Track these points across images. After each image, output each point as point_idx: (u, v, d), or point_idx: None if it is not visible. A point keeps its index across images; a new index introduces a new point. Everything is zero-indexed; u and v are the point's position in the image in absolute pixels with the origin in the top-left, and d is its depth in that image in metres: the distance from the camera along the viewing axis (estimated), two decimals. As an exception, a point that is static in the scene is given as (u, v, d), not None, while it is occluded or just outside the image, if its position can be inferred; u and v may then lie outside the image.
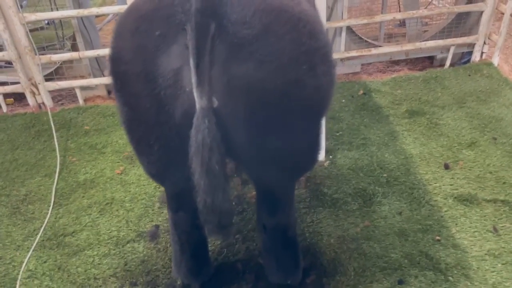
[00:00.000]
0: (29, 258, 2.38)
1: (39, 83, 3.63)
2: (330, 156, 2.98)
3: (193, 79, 1.33)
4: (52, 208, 2.72)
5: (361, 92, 3.74)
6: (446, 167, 2.80)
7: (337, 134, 3.22)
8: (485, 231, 2.35)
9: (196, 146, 1.40)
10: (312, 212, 2.54)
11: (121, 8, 3.32)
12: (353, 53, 3.85)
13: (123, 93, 1.50)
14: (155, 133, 1.51)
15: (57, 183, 2.91)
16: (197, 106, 1.36)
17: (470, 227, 2.39)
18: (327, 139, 3.11)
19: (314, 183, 2.75)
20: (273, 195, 1.86)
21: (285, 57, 1.38)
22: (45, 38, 4.00)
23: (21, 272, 2.30)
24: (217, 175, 1.42)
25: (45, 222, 2.60)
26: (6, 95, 3.88)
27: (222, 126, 1.42)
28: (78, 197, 2.80)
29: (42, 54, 3.58)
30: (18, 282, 2.25)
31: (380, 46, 3.94)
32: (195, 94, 1.35)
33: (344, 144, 3.10)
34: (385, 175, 2.77)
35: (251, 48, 1.34)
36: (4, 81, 3.83)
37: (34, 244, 2.46)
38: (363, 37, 3.97)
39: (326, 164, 2.90)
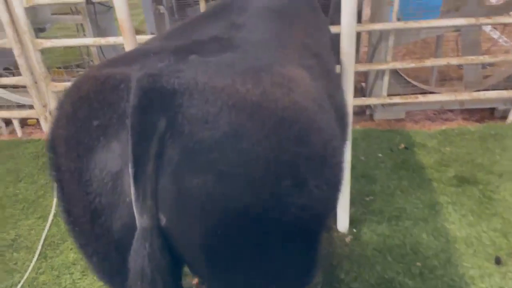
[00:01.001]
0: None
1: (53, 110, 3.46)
2: (354, 230, 2.51)
3: (132, 191, 0.97)
4: (37, 259, 2.46)
5: (403, 146, 3.23)
6: (498, 261, 2.25)
7: (367, 199, 2.75)
8: None
9: (134, 276, 1.04)
10: (322, 305, 2.10)
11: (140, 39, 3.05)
12: (397, 100, 3.35)
13: (57, 190, 1.17)
14: (91, 246, 1.16)
15: (48, 229, 2.67)
16: (137, 224, 1.00)
17: None
18: (353, 204, 2.65)
19: (330, 264, 2.31)
20: None
21: (259, 169, 0.99)
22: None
23: None
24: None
25: (24, 278, 2.35)
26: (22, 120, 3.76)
27: (172, 250, 1.06)
28: (66, 248, 2.53)
29: (69, 72, 3.41)
30: None
31: (430, 93, 3.41)
32: (135, 210, 0.99)
33: (374, 213, 2.62)
34: (419, 263, 2.27)
35: (212, 156, 0.97)
36: (21, 103, 3.70)
37: (5, 306, 2.21)
38: (410, 80, 3.47)
39: (347, 239, 2.45)
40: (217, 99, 0.98)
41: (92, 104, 1.05)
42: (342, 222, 2.51)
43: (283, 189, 1.02)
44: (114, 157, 1.03)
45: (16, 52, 3.16)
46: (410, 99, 3.37)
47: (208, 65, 1.10)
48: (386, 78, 3.32)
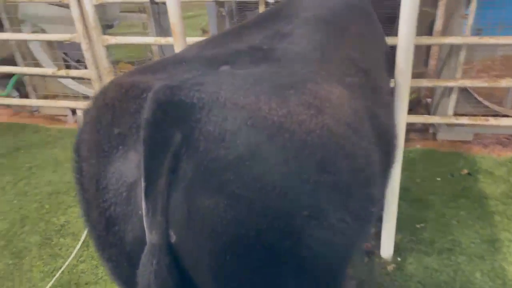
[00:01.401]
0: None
1: (113, 104, 3.59)
2: (399, 258, 2.33)
3: (143, 205, 0.94)
4: (79, 247, 2.56)
5: (465, 171, 2.96)
6: None
7: (418, 226, 2.54)
8: None
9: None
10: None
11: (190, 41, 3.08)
12: (464, 120, 3.08)
13: (78, 193, 1.17)
14: (106, 252, 1.15)
15: (94, 219, 2.76)
16: (147, 239, 0.97)
17: None
18: (401, 230, 2.47)
19: (367, 292, 2.16)
20: None
21: (274, 196, 0.91)
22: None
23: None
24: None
25: (66, 264, 2.44)
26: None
27: (182, 269, 1.01)
28: (108, 240, 2.60)
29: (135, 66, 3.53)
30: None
31: (503, 116, 3.10)
32: (145, 225, 0.96)
33: (423, 243, 2.42)
34: (468, 305, 2.06)
35: (226, 177, 0.90)
36: (87, 94, 3.89)
37: (46, 289, 2.31)
38: (481, 100, 3.18)
39: (390, 268, 2.27)
40: (237, 116, 0.91)
41: (115, 111, 1.03)
42: (386, 248, 2.34)
43: (300, 220, 0.94)
44: (130, 168, 1.00)
45: (84, 46, 3.32)
46: (480, 121, 3.09)
47: (236, 79, 1.04)
48: (454, 96, 3.06)
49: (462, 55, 2.89)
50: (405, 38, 1.69)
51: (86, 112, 1.14)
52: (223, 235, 0.94)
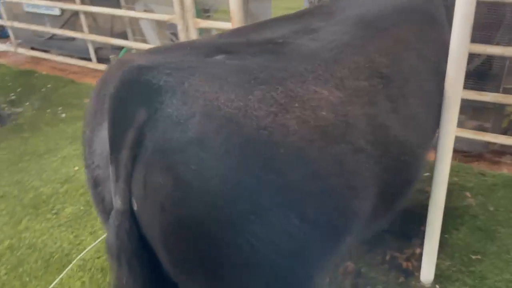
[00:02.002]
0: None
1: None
2: (437, 286, 2.13)
3: (110, 172, 1.05)
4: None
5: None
6: None
7: (473, 257, 2.28)
8: None
9: (106, 249, 1.13)
10: None
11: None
12: None
13: (83, 152, 1.32)
14: (95, 208, 1.29)
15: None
16: (113, 204, 1.08)
17: None
18: (451, 258, 2.26)
19: (391, 312, 2.03)
20: None
21: (215, 185, 0.94)
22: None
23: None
24: (126, 282, 1.13)
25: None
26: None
27: (142, 235, 1.10)
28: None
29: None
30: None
31: None
32: (112, 189, 1.07)
33: (472, 276, 2.17)
34: None
35: (175, 158, 0.96)
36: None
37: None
38: None
39: (424, 294, 2.10)
40: (194, 103, 0.96)
41: (108, 87, 1.15)
42: (426, 272, 2.15)
43: (239, 213, 0.95)
44: None
45: (180, 27, 3.59)
46: None
47: (216, 68, 1.08)
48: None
49: None
50: (457, 47, 1.52)
51: (95, 85, 1.28)
52: (169, 213, 1.00)
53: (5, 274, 2.41)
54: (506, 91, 2.90)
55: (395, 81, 1.36)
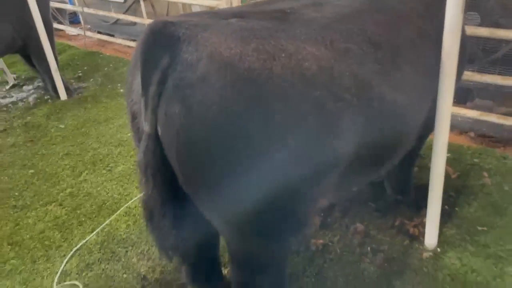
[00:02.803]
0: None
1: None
2: (439, 249, 2.30)
3: (142, 104, 1.38)
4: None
5: None
6: None
7: (480, 228, 2.41)
8: None
9: (137, 164, 1.47)
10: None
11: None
12: None
13: (126, 93, 1.66)
14: (132, 137, 1.63)
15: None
16: (144, 129, 1.41)
17: None
18: (458, 227, 2.41)
19: (389, 266, 2.23)
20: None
21: (215, 112, 1.24)
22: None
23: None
24: (151, 193, 1.45)
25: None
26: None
27: (164, 155, 1.42)
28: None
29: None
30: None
31: None
32: (142, 118, 1.40)
33: (475, 244, 2.31)
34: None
35: (187, 92, 1.27)
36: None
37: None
38: None
39: (425, 255, 2.27)
40: (203, 49, 1.26)
41: (147, 43, 1.47)
42: (429, 237, 2.32)
43: (231, 137, 1.24)
44: None
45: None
46: None
47: (227, 27, 1.37)
48: None
49: None
50: (451, 19, 1.70)
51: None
52: (182, 136, 1.31)
53: (66, 214, 2.87)
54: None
55: (386, 48, 1.58)
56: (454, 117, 3.23)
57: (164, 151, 1.40)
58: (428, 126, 1.99)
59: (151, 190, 1.45)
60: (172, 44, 1.29)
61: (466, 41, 2.07)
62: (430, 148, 2.15)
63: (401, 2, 1.81)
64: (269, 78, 1.24)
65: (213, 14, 1.53)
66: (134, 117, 1.53)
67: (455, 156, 3.04)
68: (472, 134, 3.28)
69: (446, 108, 1.88)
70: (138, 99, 1.46)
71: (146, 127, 1.38)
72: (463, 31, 2.06)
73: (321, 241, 2.43)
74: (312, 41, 1.39)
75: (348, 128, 1.42)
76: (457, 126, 3.33)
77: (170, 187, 1.46)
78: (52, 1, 5.75)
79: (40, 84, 4.88)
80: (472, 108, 3.24)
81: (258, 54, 1.25)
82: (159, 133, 1.39)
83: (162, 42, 1.29)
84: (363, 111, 1.46)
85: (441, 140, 1.98)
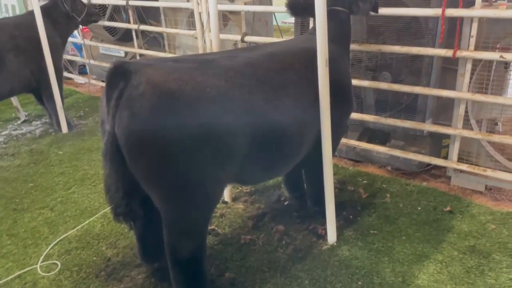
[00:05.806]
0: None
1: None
2: (335, 243, 2.99)
3: (105, 112, 2.19)
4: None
5: (448, 208, 3.32)
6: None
7: (372, 231, 3.11)
8: None
9: (102, 151, 2.25)
10: None
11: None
12: (463, 167, 3.42)
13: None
14: (102, 135, 2.43)
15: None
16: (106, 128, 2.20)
17: None
18: (355, 231, 3.11)
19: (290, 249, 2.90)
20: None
21: (147, 119, 2.02)
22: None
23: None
24: (109, 173, 2.21)
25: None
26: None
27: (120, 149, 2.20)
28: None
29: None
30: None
31: None
32: (106, 121, 2.20)
33: (364, 241, 3.00)
34: None
35: (132, 103, 2.07)
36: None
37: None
38: (493, 153, 3.44)
39: (324, 247, 2.96)
40: (143, 77, 2.07)
41: (110, 73, 2.28)
42: (330, 234, 3.01)
43: (159, 137, 2.03)
44: None
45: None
46: (490, 172, 3.38)
47: (162, 65, 2.20)
48: (457, 144, 3.45)
49: (462, 108, 3.32)
50: (320, 68, 2.55)
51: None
52: (127, 131, 2.08)
53: (55, 216, 3.59)
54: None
55: (270, 84, 2.41)
56: (375, 154, 4.04)
57: (118, 143, 2.19)
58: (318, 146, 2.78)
59: (108, 171, 2.21)
60: (126, 74, 2.11)
61: (350, 90, 2.95)
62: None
63: (289, 56, 2.67)
64: (182, 95, 2.05)
65: (160, 58, 2.39)
66: (102, 123, 2.33)
67: (369, 182, 3.79)
68: (389, 167, 4.05)
69: (326, 131, 2.67)
70: (104, 110, 2.27)
71: (107, 127, 2.18)
72: (348, 81, 2.93)
73: (249, 237, 3.13)
74: (217, 77, 2.23)
75: (239, 132, 2.22)
76: (377, 161, 4.10)
77: (122, 169, 2.22)
78: (66, 54, 6.79)
79: (47, 120, 5.74)
80: (390, 147, 4.01)
81: (176, 81, 2.07)
82: (116, 131, 2.18)
83: (119, 73, 2.12)
84: (252, 122, 2.26)
85: (326, 149, 2.73)
